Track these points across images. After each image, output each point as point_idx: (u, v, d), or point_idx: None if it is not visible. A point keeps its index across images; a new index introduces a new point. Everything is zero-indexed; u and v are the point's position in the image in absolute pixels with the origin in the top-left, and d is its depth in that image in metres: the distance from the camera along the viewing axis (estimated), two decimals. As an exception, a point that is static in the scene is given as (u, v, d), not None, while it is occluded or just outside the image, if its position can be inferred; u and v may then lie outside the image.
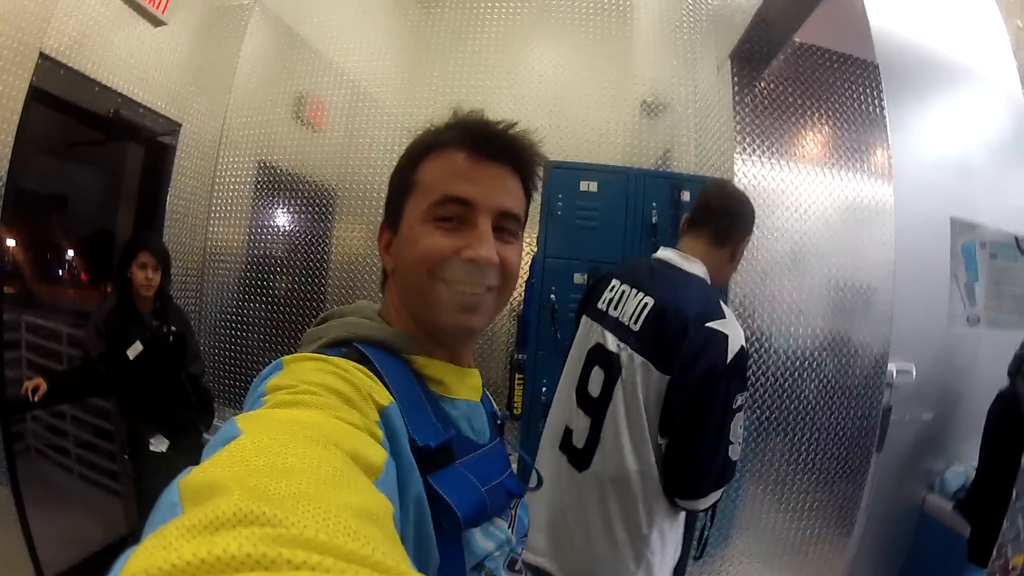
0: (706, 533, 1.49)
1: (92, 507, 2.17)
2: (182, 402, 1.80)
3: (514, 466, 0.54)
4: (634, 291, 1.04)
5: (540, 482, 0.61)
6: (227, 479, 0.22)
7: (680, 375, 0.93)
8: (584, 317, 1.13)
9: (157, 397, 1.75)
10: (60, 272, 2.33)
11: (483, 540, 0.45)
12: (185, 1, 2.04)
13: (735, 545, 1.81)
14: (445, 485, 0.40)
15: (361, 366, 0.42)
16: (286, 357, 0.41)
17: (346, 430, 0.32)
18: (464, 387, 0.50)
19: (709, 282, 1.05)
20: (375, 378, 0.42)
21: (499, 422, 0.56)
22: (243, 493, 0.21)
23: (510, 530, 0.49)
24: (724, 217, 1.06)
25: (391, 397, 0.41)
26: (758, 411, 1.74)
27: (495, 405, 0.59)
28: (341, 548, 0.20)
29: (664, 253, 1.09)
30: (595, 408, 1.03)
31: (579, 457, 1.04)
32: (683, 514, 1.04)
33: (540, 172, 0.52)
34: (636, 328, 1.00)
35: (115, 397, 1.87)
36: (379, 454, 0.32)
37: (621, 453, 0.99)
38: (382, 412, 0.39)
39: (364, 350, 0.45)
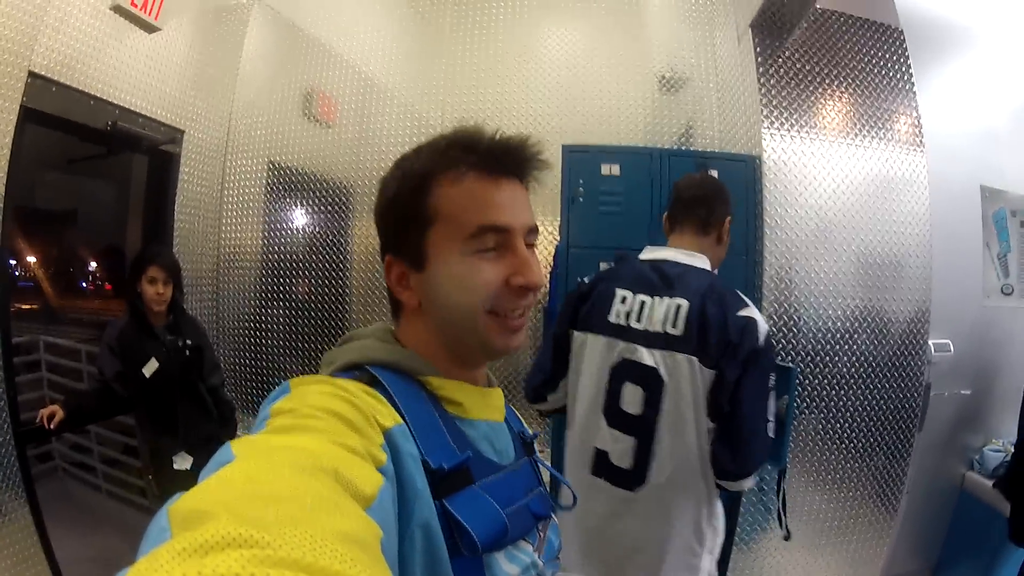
0: (784, 515, 1.45)
1: (121, 525, 2.16)
2: (203, 415, 1.77)
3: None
4: (656, 298, 1.04)
5: (575, 500, 0.58)
6: (215, 505, 0.23)
7: (728, 361, 0.98)
8: (589, 334, 1.08)
9: (177, 412, 1.72)
10: (83, 284, 2.32)
11: (506, 564, 0.43)
12: (179, 5, 1.98)
13: (776, 532, 1.76)
14: (461, 508, 0.39)
15: (369, 388, 0.41)
16: (293, 380, 0.41)
17: (340, 456, 0.31)
18: (484, 407, 0.49)
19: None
20: (382, 400, 0.41)
21: (526, 441, 0.54)
22: (231, 518, 0.21)
23: (537, 553, 0.47)
24: (700, 206, 1.10)
25: (399, 418, 0.40)
26: (795, 390, 1.68)
27: (524, 424, 0.58)
28: (327, 569, 0.20)
29: (662, 253, 1.11)
30: (638, 426, 1.02)
31: (629, 476, 1.03)
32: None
33: (537, 175, 0.52)
34: (678, 332, 1.00)
35: (135, 415, 1.84)
36: (373, 481, 0.32)
37: (685, 458, 1.00)
38: (387, 434, 0.38)
39: (376, 373, 0.45)
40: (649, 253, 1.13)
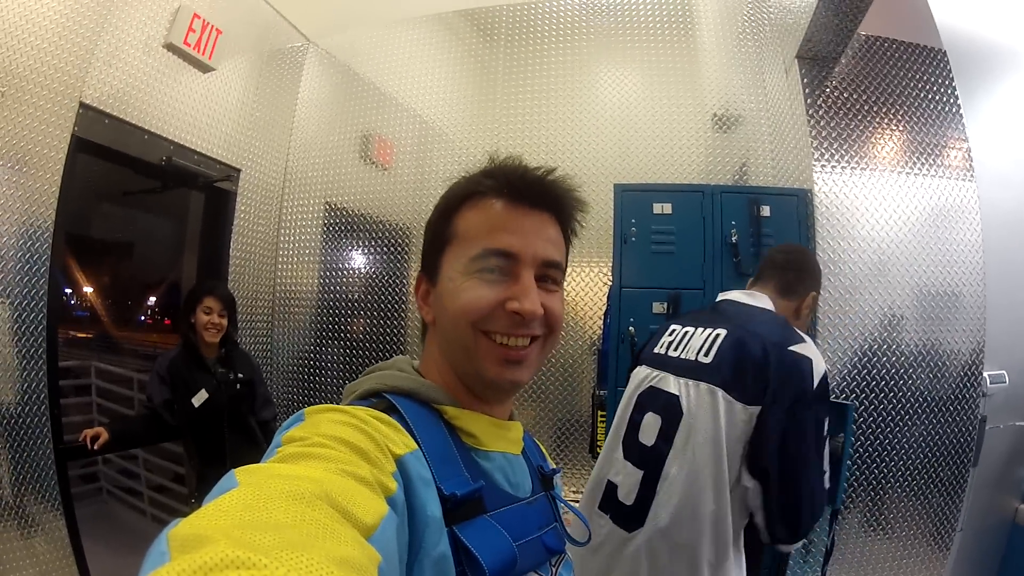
0: (826, 563, 1.39)
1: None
2: (252, 447, 1.80)
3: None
4: (699, 329, 0.99)
5: (590, 538, 0.58)
6: (213, 530, 0.23)
7: (770, 406, 0.87)
8: (639, 367, 1.08)
9: (225, 443, 1.74)
10: (142, 317, 2.39)
11: None
12: (234, 46, 2.04)
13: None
14: (471, 536, 0.39)
15: (384, 415, 0.41)
16: (308, 409, 0.41)
17: (344, 486, 0.31)
18: (500, 440, 0.49)
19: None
20: (397, 426, 0.41)
21: (545, 475, 0.54)
22: (229, 542, 0.21)
23: None
24: (789, 270, 1.06)
25: (413, 444, 0.40)
26: (851, 429, 1.64)
27: (546, 459, 0.58)
28: None
29: (729, 294, 1.08)
30: (648, 458, 0.95)
31: (627, 515, 0.95)
32: (743, 555, 0.95)
33: (579, 217, 0.51)
34: (708, 360, 0.93)
35: (183, 443, 1.87)
36: (375, 511, 0.32)
37: (687, 502, 0.89)
38: (399, 461, 0.38)
39: (394, 400, 0.45)
40: (720, 296, 1.11)
